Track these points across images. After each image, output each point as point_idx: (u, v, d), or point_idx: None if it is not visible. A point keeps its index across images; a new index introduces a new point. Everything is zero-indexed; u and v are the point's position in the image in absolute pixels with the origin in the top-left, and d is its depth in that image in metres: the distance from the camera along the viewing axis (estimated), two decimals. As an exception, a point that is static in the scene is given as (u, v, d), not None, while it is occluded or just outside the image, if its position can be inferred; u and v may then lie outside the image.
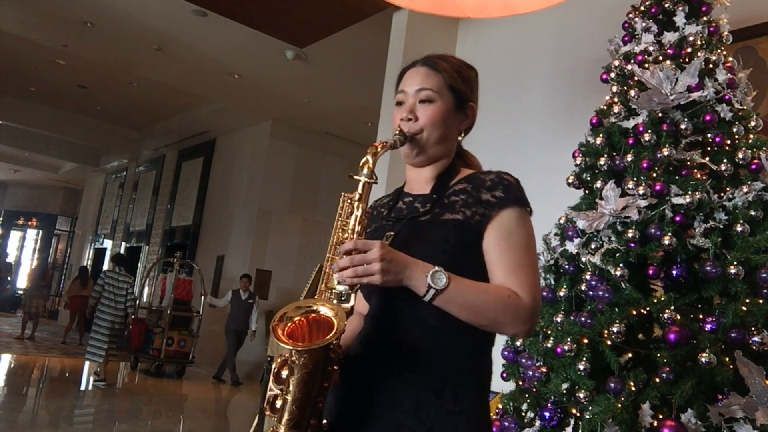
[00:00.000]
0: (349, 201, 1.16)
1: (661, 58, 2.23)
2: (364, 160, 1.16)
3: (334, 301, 1.10)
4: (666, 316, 1.81)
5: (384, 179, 4.44)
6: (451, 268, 1.09)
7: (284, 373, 1.07)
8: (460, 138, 1.30)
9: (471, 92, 1.30)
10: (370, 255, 1.05)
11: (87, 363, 7.79)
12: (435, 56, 1.29)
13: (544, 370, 2.04)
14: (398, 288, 1.08)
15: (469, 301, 1.09)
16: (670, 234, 1.92)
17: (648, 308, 1.90)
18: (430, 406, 1.08)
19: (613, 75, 2.40)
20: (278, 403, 1.06)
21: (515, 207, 1.17)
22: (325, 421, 1.10)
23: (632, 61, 2.31)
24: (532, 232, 1.20)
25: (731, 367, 1.74)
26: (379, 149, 1.17)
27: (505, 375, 2.27)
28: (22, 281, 17.22)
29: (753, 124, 2.14)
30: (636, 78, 2.20)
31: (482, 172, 1.26)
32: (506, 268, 1.13)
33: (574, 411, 1.96)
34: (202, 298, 8.37)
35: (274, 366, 1.11)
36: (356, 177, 1.15)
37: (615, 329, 1.85)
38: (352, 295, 1.10)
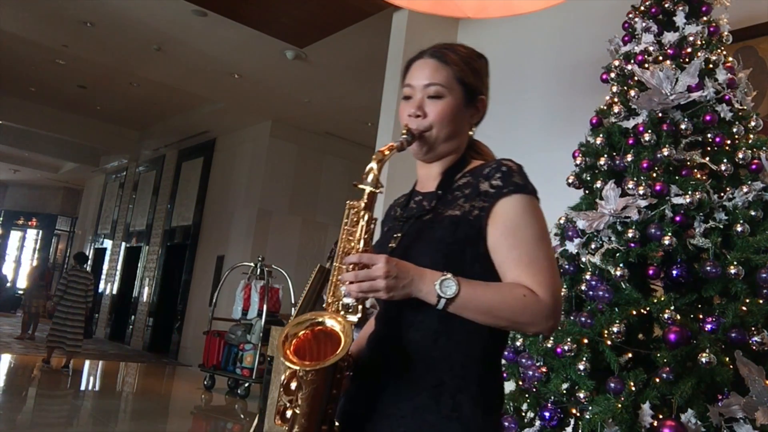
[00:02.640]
0: (354, 210, 1.12)
1: (661, 58, 2.23)
2: (369, 167, 1.10)
3: (341, 312, 1.08)
4: (666, 316, 1.81)
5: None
6: (448, 267, 1.05)
7: (293, 384, 1.06)
8: (471, 132, 1.25)
9: (482, 84, 1.24)
10: (375, 271, 1.02)
11: (87, 361, 7.81)
12: (443, 46, 1.23)
13: (544, 370, 2.04)
14: None
15: (484, 305, 1.04)
16: (670, 234, 1.92)
17: (648, 308, 1.90)
18: (427, 411, 1.05)
19: (613, 75, 2.40)
20: (288, 414, 1.06)
21: (517, 194, 1.09)
22: (337, 424, 1.11)
23: (632, 61, 2.31)
24: (540, 219, 1.11)
25: (731, 367, 1.73)
26: (385, 154, 1.13)
27: (505, 375, 2.27)
28: (22, 281, 17.24)
29: (753, 124, 2.14)
30: (636, 78, 2.20)
31: (487, 162, 1.19)
32: (518, 265, 1.06)
33: (574, 411, 1.96)
34: (293, 309, 7.71)
35: (283, 378, 1.10)
36: (361, 186, 1.11)
37: (615, 329, 1.85)
38: (359, 307, 1.08)
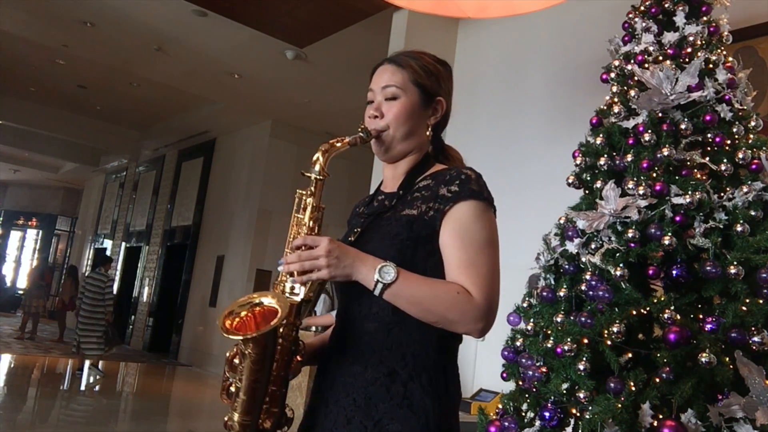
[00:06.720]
0: (303, 198, 1.20)
1: (661, 58, 2.23)
2: (315, 157, 1.18)
3: (286, 295, 1.13)
4: (666, 316, 1.81)
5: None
6: (401, 263, 1.10)
7: (236, 361, 1.12)
8: (428, 133, 1.29)
9: (439, 86, 1.30)
10: (317, 250, 1.08)
11: (87, 362, 7.80)
12: (403, 53, 1.31)
13: (544, 370, 2.04)
14: (356, 284, 1.10)
15: (417, 296, 1.08)
16: (670, 234, 1.92)
17: (648, 308, 1.90)
18: (379, 400, 1.10)
19: (613, 75, 2.39)
20: (232, 389, 1.12)
21: (471, 200, 1.15)
22: (289, 408, 1.16)
23: (632, 61, 2.31)
24: (489, 227, 1.16)
25: (731, 367, 1.73)
26: (335, 146, 1.20)
27: (505, 375, 2.27)
28: (22, 281, 17.23)
29: (753, 124, 2.14)
30: (636, 78, 2.19)
31: (450, 168, 1.24)
32: (459, 265, 1.12)
33: (574, 411, 1.96)
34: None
35: (228, 354, 1.16)
36: (307, 174, 1.19)
37: (615, 329, 1.85)
38: (303, 289, 1.13)
